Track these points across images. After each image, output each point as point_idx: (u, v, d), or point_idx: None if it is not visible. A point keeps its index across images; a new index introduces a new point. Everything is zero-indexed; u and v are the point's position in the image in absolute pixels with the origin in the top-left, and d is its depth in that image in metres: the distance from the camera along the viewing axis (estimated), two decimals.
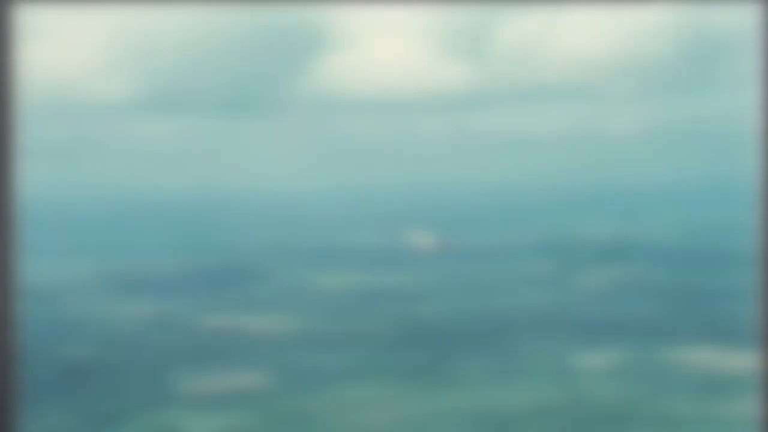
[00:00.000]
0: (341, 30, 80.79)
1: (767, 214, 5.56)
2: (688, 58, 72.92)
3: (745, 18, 13.60)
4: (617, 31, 70.95)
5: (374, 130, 79.06)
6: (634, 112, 74.76)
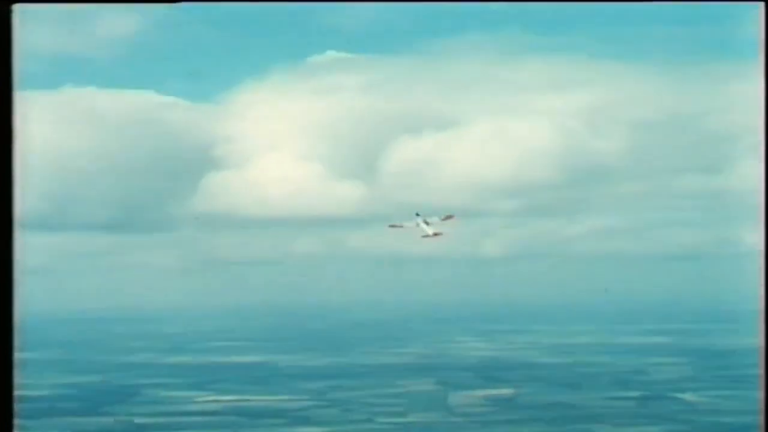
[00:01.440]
0: (233, 150, 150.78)
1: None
2: (572, 182, 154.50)
3: (623, 143, 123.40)
4: (505, 155, 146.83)
5: (259, 248, 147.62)
6: (512, 233, 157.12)
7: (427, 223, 51.41)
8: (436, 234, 54.40)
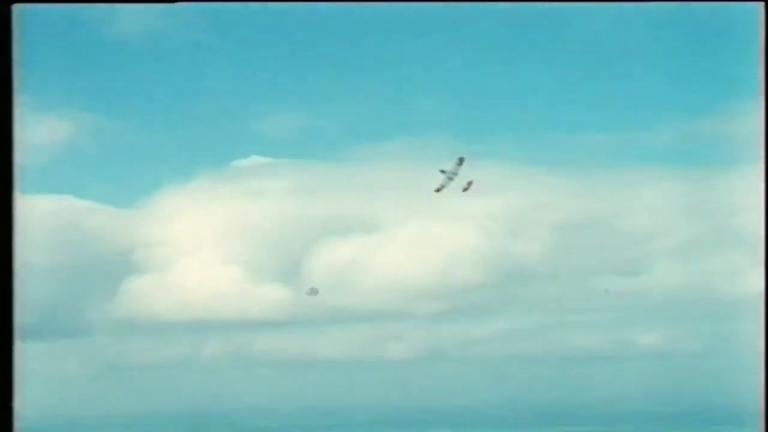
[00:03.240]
0: (154, 254, 72.95)
1: None
2: (495, 283, 72.36)
3: (543, 246, 70.83)
4: (430, 257, 68.89)
5: (171, 352, 70.85)
6: (423, 335, 74.08)
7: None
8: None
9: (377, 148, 72.57)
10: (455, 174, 58.12)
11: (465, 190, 59.54)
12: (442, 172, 56.36)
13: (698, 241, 73.21)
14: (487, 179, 71.18)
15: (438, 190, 57.09)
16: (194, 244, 78.41)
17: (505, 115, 68.78)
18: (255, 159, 76.62)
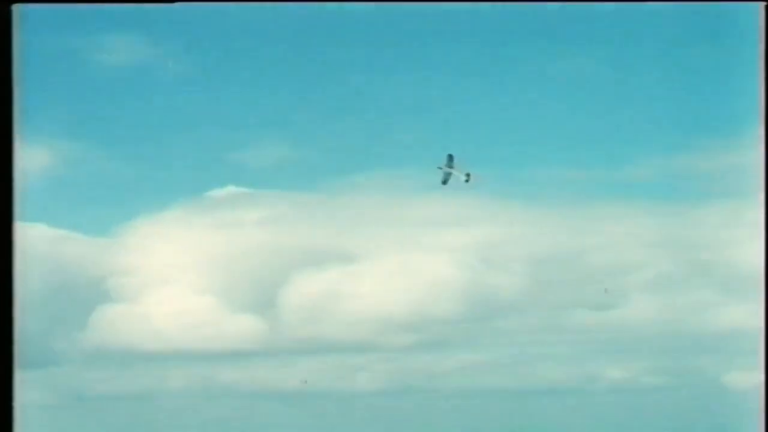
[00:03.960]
0: (127, 283, 69.66)
1: None
2: (471, 315, 70.38)
3: (519, 279, 70.77)
4: (407, 289, 68.61)
5: (141, 383, 66.62)
6: (392, 367, 70.87)
7: None
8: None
9: (355, 179, 73.36)
10: (451, 169, 58.50)
11: (466, 181, 60.70)
12: (440, 168, 58.08)
13: (671, 276, 72.63)
14: (464, 212, 71.30)
15: (444, 182, 60.01)
16: (168, 273, 72.94)
17: (482, 148, 69.87)
18: (231, 189, 76.45)
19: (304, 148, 76.44)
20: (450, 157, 63.22)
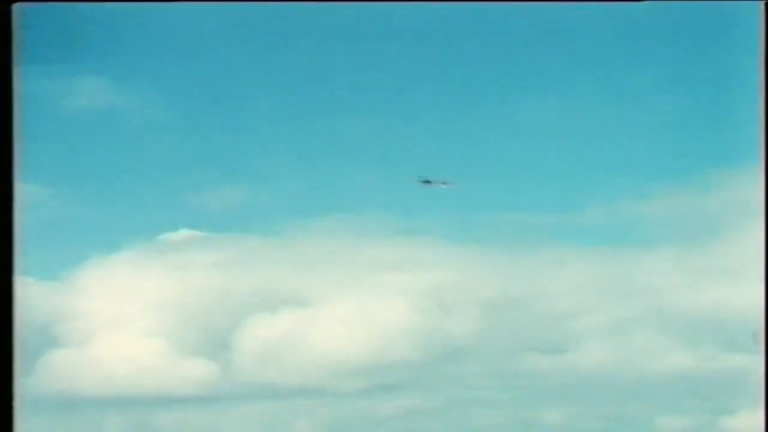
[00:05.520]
0: (75, 327, 67.03)
1: None
2: (425, 360, 68.40)
3: (472, 323, 67.39)
4: (362, 333, 67.27)
5: (77, 429, 64.37)
6: (336, 411, 66.84)
7: None
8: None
9: (312, 223, 73.10)
10: (429, 182, 60.74)
11: (445, 185, 62.39)
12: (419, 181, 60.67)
13: (623, 321, 73.03)
14: (418, 255, 71.41)
15: (426, 183, 61.18)
16: (118, 317, 71.48)
17: (437, 193, 69.15)
18: (184, 232, 76.13)
19: (262, 192, 76.55)
20: (422, 178, 64.47)
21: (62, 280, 74.84)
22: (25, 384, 56.32)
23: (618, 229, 73.30)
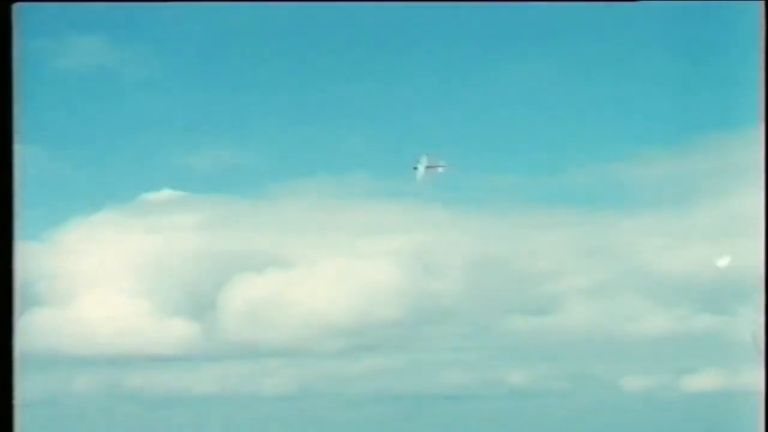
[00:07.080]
0: (56, 287, 67.53)
1: None
2: (408, 320, 68.88)
3: (456, 284, 67.55)
4: (347, 294, 67.56)
5: (54, 388, 65.32)
6: (299, 372, 67.61)
7: None
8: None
9: (298, 184, 73.13)
10: (428, 165, 61.19)
11: (443, 168, 62.60)
12: (416, 168, 61.48)
13: (605, 282, 73.45)
14: (404, 218, 71.53)
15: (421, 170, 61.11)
16: (99, 277, 71.04)
17: (420, 155, 68.93)
18: (167, 193, 75.36)
19: (248, 153, 76.44)
20: (425, 157, 64.39)
21: (44, 240, 74.14)
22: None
23: (601, 192, 73.26)
